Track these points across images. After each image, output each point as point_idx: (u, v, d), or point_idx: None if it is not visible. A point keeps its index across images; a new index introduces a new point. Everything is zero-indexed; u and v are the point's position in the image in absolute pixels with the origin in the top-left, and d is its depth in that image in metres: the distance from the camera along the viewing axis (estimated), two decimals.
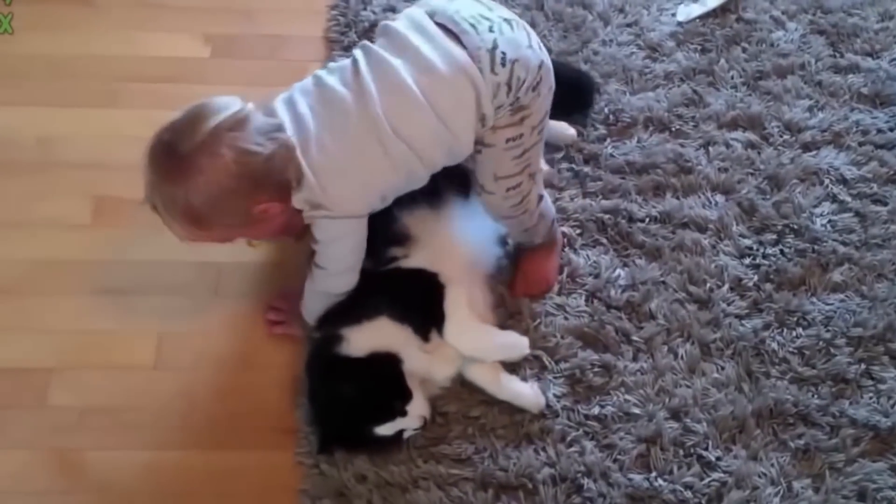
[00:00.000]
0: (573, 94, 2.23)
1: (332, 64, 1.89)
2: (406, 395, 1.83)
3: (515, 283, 2.08)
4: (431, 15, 1.81)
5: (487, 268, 2.06)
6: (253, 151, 1.73)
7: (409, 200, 1.92)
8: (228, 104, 1.76)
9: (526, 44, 1.81)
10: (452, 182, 1.99)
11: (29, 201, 2.22)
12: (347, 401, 1.81)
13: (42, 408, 1.95)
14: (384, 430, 1.83)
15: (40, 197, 2.23)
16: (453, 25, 1.78)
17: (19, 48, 2.48)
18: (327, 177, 1.76)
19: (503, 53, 1.76)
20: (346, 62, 1.83)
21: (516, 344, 1.94)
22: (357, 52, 1.82)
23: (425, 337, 1.88)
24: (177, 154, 1.72)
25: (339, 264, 1.88)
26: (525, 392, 1.93)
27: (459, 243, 1.99)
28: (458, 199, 2.01)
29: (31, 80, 2.43)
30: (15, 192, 2.23)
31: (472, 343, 1.91)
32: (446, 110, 1.76)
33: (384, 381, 1.82)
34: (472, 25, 1.77)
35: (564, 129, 2.28)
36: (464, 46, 1.76)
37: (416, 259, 1.94)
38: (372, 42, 1.84)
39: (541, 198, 1.98)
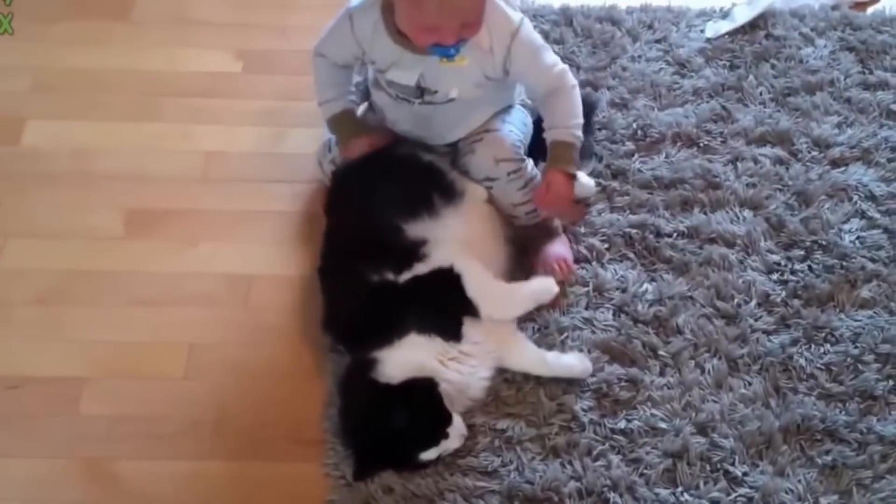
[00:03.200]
0: None
1: None
2: (447, 419, 1.84)
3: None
4: None
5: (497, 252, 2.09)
6: None
7: (409, 214, 1.97)
8: None
9: None
10: (440, 189, 2.03)
11: (64, 212, 2.26)
12: (391, 433, 1.82)
13: (74, 417, 1.97)
14: (428, 455, 1.84)
15: (75, 208, 2.27)
16: None
17: (57, 62, 2.53)
18: None
19: None
20: None
21: (546, 285, 2.01)
22: None
23: (457, 337, 1.90)
24: None
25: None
26: (573, 362, 1.97)
27: (469, 231, 2.02)
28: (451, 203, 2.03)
29: (69, 94, 2.48)
30: (51, 203, 2.27)
31: (509, 302, 1.98)
32: None
33: (425, 409, 1.83)
34: None
35: (582, 178, 2.21)
36: None
37: (433, 259, 1.95)
38: None
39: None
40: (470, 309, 1.93)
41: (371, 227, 1.98)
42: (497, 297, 1.97)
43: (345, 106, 2.12)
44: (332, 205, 2.10)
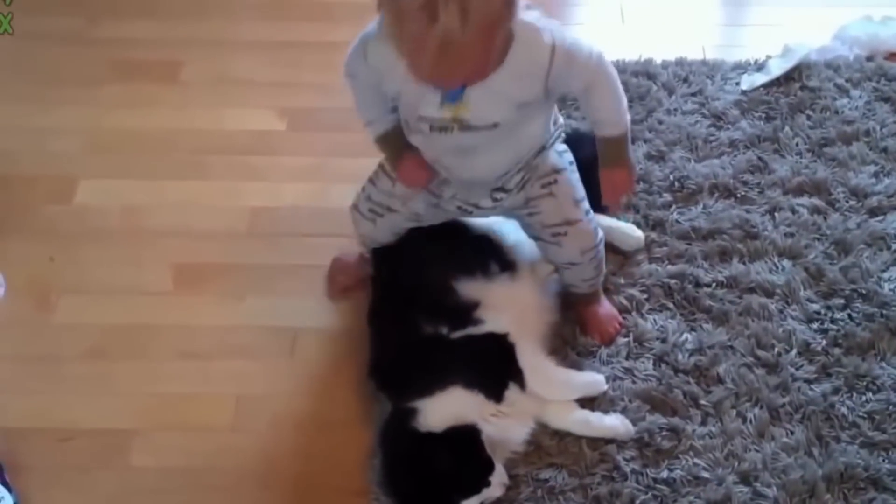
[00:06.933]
0: None
1: None
2: (489, 466, 1.86)
3: (591, 333, 2.14)
4: None
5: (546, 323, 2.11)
6: None
7: (464, 273, 2.01)
8: None
9: None
10: (497, 257, 2.07)
11: (115, 268, 2.31)
12: (433, 480, 1.83)
13: (125, 469, 2.00)
14: (470, 503, 1.85)
15: (125, 264, 2.32)
16: None
17: (108, 123, 2.61)
18: None
19: None
20: None
21: (596, 380, 2.03)
22: None
23: (498, 399, 1.92)
24: None
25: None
26: (615, 423, 1.99)
27: (521, 302, 2.05)
28: (504, 270, 2.07)
29: (119, 154, 2.55)
30: (102, 260, 2.33)
31: (557, 384, 1.99)
32: None
33: (468, 456, 1.85)
34: None
35: (631, 231, 2.28)
36: None
37: (487, 326, 1.98)
38: None
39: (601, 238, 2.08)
40: (516, 377, 1.96)
41: (426, 280, 2.01)
42: (548, 378, 1.99)
43: (387, 126, 1.97)
44: (385, 255, 2.12)
